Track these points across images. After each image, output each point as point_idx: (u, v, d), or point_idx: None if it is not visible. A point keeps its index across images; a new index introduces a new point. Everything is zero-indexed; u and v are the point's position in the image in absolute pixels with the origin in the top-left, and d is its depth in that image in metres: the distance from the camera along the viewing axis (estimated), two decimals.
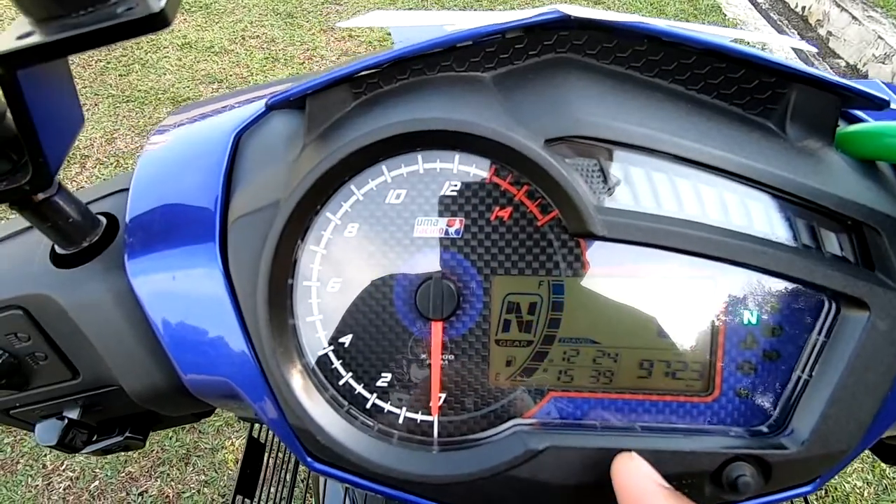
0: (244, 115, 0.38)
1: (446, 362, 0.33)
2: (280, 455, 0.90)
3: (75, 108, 0.29)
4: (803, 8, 3.60)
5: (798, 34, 3.39)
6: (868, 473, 1.45)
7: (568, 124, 0.30)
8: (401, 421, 0.33)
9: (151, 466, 1.47)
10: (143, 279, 0.33)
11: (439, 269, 0.32)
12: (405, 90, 0.33)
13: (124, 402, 0.37)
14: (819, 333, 0.31)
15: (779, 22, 3.52)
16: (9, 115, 0.26)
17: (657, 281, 0.31)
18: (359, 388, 0.33)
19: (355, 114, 0.32)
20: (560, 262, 0.31)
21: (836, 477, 1.42)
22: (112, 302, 0.34)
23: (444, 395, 0.33)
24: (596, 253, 0.31)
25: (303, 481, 0.89)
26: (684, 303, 0.31)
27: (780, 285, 0.31)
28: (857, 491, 1.41)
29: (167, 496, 1.41)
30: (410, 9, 3.32)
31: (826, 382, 0.30)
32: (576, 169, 0.30)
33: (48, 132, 0.26)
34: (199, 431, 1.53)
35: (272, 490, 0.84)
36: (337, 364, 0.33)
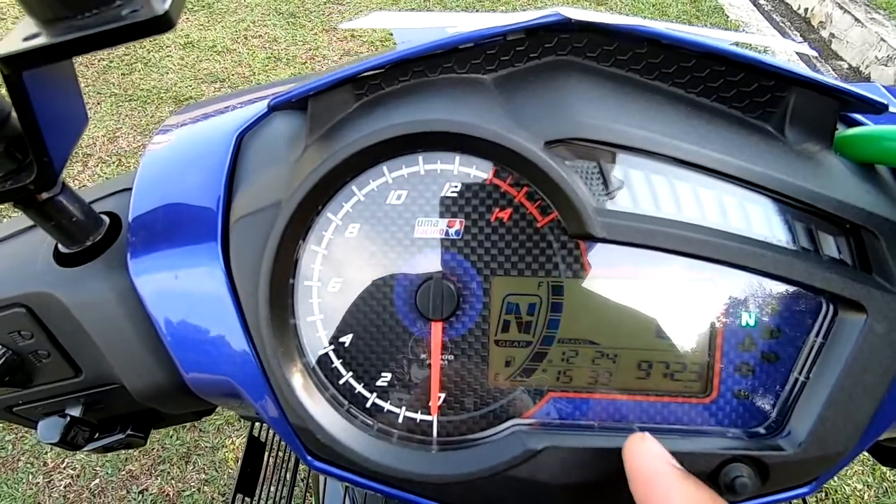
0: (246, 116, 0.38)
1: (446, 362, 0.33)
2: (280, 454, 0.90)
3: (79, 108, 0.29)
4: (806, 10, 3.60)
5: (800, 36, 3.39)
6: (868, 476, 1.44)
7: (568, 127, 0.30)
8: (400, 420, 0.34)
9: (152, 465, 1.47)
10: (146, 278, 0.33)
11: (439, 269, 0.32)
12: (407, 92, 0.33)
13: (126, 400, 0.37)
14: (817, 336, 0.31)
15: (781, 24, 3.52)
16: (14, 114, 0.27)
17: (656, 283, 0.31)
18: (359, 388, 0.34)
19: (357, 115, 0.33)
20: (559, 264, 0.32)
21: (837, 479, 1.42)
22: (114, 300, 0.34)
23: (443, 395, 0.33)
24: (595, 254, 0.31)
25: (303, 480, 0.89)
26: (683, 304, 0.31)
27: (778, 288, 0.31)
28: (858, 494, 1.41)
29: (167, 494, 1.42)
30: (413, 10, 3.32)
31: (823, 384, 0.30)
32: (575, 171, 0.30)
33: (52, 132, 0.26)
34: (200, 430, 1.54)
35: (272, 489, 0.85)
36: (337, 363, 0.33)
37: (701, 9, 3.47)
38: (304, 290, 0.33)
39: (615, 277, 0.32)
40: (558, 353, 0.32)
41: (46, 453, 1.48)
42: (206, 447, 1.50)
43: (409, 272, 0.32)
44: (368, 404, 0.34)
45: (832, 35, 3.32)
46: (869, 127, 0.32)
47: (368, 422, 0.34)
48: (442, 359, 0.33)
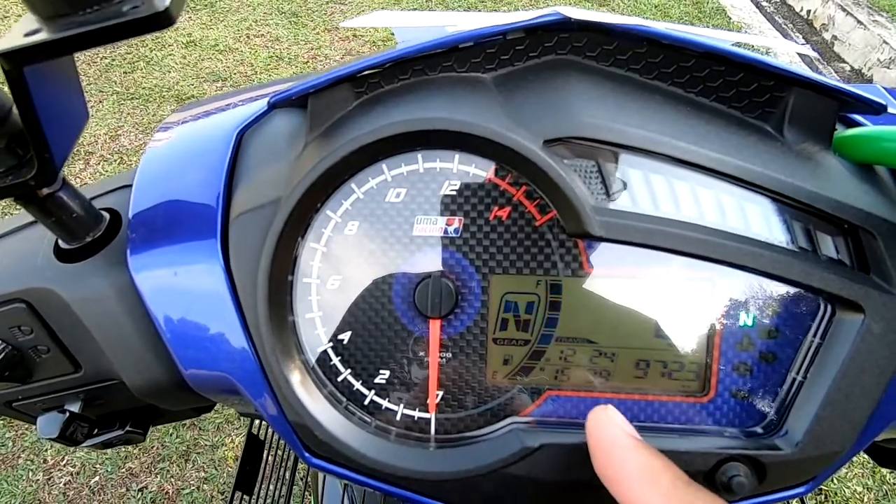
0: (247, 114, 0.38)
1: (444, 360, 0.33)
2: (279, 452, 0.90)
3: (80, 105, 0.29)
4: (808, 12, 3.59)
5: (803, 38, 3.39)
6: (868, 479, 1.44)
7: (567, 125, 0.30)
8: (398, 418, 0.34)
9: (152, 462, 1.47)
10: (145, 274, 0.33)
11: (438, 267, 0.32)
12: (406, 90, 0.33)
13: (125, 396, 0.37)
14: (814, 336, 0.31)
15: (783, 25, 3.52)
16: (15, 110, 0.27)
17: (654, 282, 0.31)
18: (357, 385, 0.34)
19: (357, 113, 0.33)
20: (558, 262, 0.32)
21: (836, 482, 1.42)
22: (114, 297, 0.34)
23: (441, 393, 0.33)
24: (594, 253, 0.32)
25: (302, 479, 0.89)
26: (681, 304, 0.32)
27: (776, 288, 0.31)
28: (857, 496, 1.41)
29: (167, 492, 1.42)
30: (414, 9, 3.32)
31: (820, 384, 0.30)
32: (574, 170, 0.30)
33: (53, 128, 0.26)
34: (200, 428, 1.54)
35: (271, 487, 0.85)
36: (336, 361, 0.34)
37: (703, 10, 3.47)
38: (302, 287, 0.33)
39: (613, 276, 0.32)
40: (556, 351, 0.32)
41: (46, 450, 1.48)
42: (206, 445, 1.50)
43: (407, 270, 0.33)
44: (366, 401, 0.34)
45: (835, 37, 3.31)
46: (868, 127, 0.32)
47: (366, 419, 0.34)
48: (440, 357, 0.33)
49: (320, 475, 0.71)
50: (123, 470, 1.46)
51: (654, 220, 0.30)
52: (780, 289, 0.31)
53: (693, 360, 0.32)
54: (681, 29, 0.32)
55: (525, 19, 0.31)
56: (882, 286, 0.30)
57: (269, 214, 0.32)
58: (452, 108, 0.31)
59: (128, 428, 0.42)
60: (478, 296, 0.32)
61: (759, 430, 0.32)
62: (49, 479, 1.43)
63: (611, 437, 0.27)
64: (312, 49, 2.97)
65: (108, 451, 1.46)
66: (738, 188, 0.31)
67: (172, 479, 1.44)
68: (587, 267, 0.32)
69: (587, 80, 0.32)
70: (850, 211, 0.30)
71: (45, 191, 0.31)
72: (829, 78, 0.32)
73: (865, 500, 1.40)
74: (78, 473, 1.45)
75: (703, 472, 0.30)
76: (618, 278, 0.32)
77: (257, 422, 0.85)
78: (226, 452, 1.49)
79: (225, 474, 1.45)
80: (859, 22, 3.15)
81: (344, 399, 0.34)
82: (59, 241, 0.36)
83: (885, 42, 2.95)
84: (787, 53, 2.94)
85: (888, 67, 2.89)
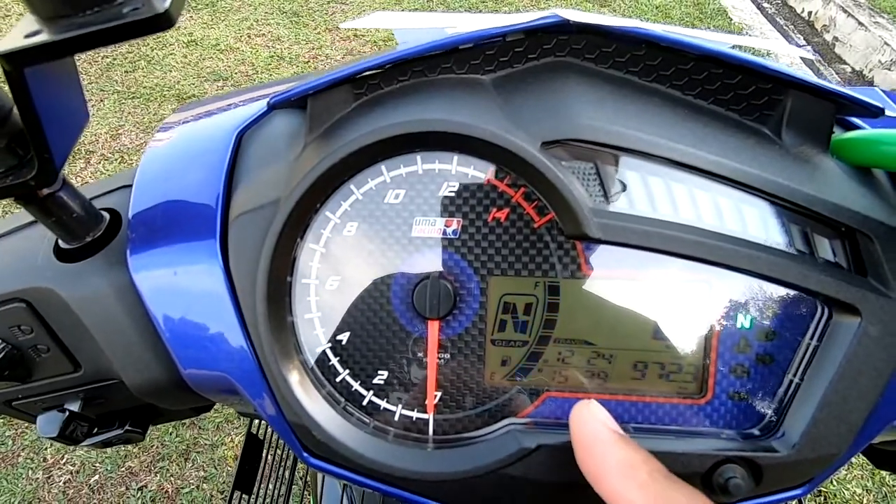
0: (247, 114, 0.38)
1: (442, 361, 0.33)
2: (279, 452, 0.90)
3: (80, 105, 0.30)
4: (810, 13, 3.59)
5: (804, 39, 3.39)
6: (868, 481, 1.44)
7: (565, 127, 0.30)
8: (396, 418, 0.34)
9: (151, 461, 1.47)
10: (145, 274, 0.33)
11: (437, 268, 0.33)
12: (405, 91, 0.33)
13: (125, 396, 0.37)
14: (811, 338, 0.31)
15: (785, 27, 3.51)
16: (15, 111, 0.27)
17: (652, 284, 0.31)
18: (355, 386, 0.34)
19: (356, 114, 0.33)
20: (556, 264, 0.32)
21: (835, 484, 1.42)
22: (114, 296, 0.34)
23: (439, 394, 0.33)
24: (592, 255, 0.32)
25: (301, 478, 0.89)
26: (679, 306, 0.32)
27: (773, 290, 0.31)
28: (857, 498, 1.41)
29: (166, 491, 1.42)
30: (416, 9, 3.32)
31: (817, 386, 0.30)
32: (572, 172, 0.30)
33: (54, 128, 0.26)
34: (199, 428, 1.54)
35: (270, 486, 0.85)
36: (334, 361, 0.34)
37: (704, 11, 3.47)
38: (301, 287, 0.33)
39: (611, 278, 0.32)
40: (554, 352, 0.33)
41: (46, 449, 1.48)
42: (206, 444, 1.51)
43: (406, 271, 0.33)
44: (365, 402, 0.34)
45: (836, 39, 3.31)
46: (865, 131, 0.32)
47: (365, 419, 0.34)
48: (438, 357, 0.33)
49: (319, 475, 0.71)
50: (123, 469, 1.46)
51: (652, 222, 0.30)
52: (778, 291, 0.31)
53: (690, 361, 0.32)
54: (679, 31, 0.32)
55: (524, 21, 0.31)
56: (879, 289, 0.30)
57: (269, 215, 0.32)
58: (451, 109, 0.31)
59: (127, 427, 0.42)
60: (476, 297, 0.33)
61: (756, 431, 0.32)
62: (49, 477, 1.44)
63: (592, 432, 0.27)
64: (313, 49, 2.97)
65: (108, 450, 1.46)
66: (735, 191, 0.31)
67: (172, 478, 1.44)
68: (585, 269, 0.32)
69: (586, 83, 0.32)
70: (848, 214, 0.30)
71: (46, 191, 0.31)
72: (827, 81, 0.32)
73: (865, 501, 1.40)
74: (78, 472, 1.45)
75: (700, 473, 0.30)
76: (616, 280, 0.32)
77: (257, 421, 0.85)
78: (225, 452, 1.49)
79: (224, 473, 1.45)
80: (860, 23, 3.15)
81: (342, 399, 0.34)
82: (59, 241, 0.36)
83: (886, 44, 2.95)
84: (787, 56, 2.94)
85: (889, 69, 2.89)
